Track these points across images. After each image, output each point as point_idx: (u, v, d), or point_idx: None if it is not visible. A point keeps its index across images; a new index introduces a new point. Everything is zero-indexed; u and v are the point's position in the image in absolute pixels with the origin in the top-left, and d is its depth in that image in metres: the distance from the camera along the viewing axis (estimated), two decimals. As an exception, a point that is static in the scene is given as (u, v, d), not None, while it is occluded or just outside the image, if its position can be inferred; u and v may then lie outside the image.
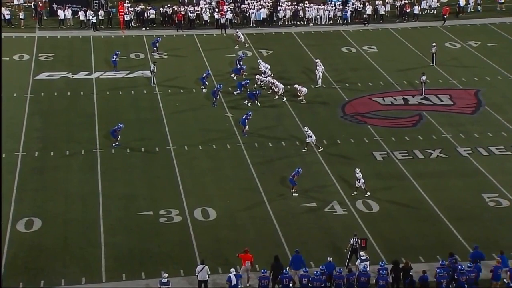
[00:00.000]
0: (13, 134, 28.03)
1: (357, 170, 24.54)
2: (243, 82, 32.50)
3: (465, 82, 34.54)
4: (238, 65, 34.63)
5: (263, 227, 22.45)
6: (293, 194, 24.25)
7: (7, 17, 41.00)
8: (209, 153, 27.35)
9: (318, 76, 33.61)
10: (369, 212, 23.65)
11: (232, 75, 34.31)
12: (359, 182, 24.27)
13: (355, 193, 24.38)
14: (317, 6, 43.33)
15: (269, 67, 34.20)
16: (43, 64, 35.60)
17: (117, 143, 27.22)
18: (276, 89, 32.38)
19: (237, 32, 39.07)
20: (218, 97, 31.27)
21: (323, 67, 33.85)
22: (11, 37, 38.92)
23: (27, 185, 24.56)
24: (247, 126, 28.37)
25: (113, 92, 32.47)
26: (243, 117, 28.53)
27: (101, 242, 21.62)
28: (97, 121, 29.55)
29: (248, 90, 32.10)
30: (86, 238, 21.83)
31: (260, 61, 35.01)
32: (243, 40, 38.68)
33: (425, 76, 32.71)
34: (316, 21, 43.22)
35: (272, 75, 33.74)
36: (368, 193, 24.30)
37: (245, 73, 34.34)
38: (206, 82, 32.71)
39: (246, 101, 31.36)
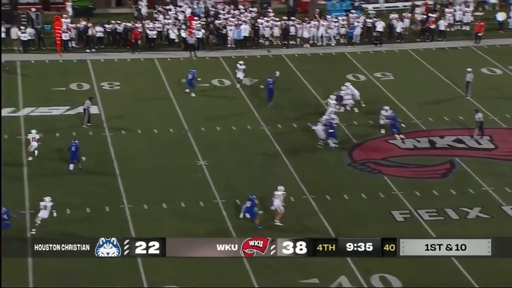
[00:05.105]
0: None
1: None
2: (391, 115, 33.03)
3: (510, 119, 35.47)
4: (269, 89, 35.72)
5: (249, 311, 22.53)
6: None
7: None
8: (176, 212, 27.54)
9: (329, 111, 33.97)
10: (389, 290, 23.92)
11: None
12: None
13: None
14: (314, 22, 44.53)
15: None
16: (-46, 98, 35.83)
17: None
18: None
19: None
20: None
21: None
22: None
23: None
24: (257, 219, 26.89)
25: (48, 134, 32.60)
26: (247, 206, 26.92)
27: None
28: (26, 173, 29.68)
29: (388, 119, 32.84)
30: None
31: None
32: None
33: (480, 114, 33.25)
34: (313, 41, 44.32)
35: None
36: None
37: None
38: (195, 84, 36.04)
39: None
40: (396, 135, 33.07)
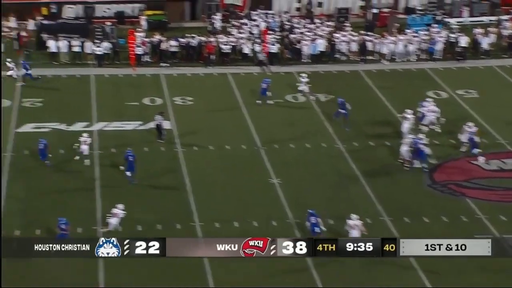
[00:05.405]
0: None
1: None
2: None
3: None
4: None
5: None
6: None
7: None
8: (249, 232, 27.49)
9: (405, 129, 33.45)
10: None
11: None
12: None
13: None
14: (393, 38, 44.03)
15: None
16: (28, 112, 36.75)
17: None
18: None
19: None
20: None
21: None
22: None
23: (7, 276, 24.72)
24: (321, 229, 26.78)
25: (120, 149, 33.13)
26: (313, 222, 26.61)
27: None
28: (99, 188, 30.22)
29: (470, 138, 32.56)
30: None
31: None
32: None
33: None
34: (392, 56, 43.87)
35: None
36: None
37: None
38: (269, 92, 37.17)
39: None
40: (479, 157, 32.26)
